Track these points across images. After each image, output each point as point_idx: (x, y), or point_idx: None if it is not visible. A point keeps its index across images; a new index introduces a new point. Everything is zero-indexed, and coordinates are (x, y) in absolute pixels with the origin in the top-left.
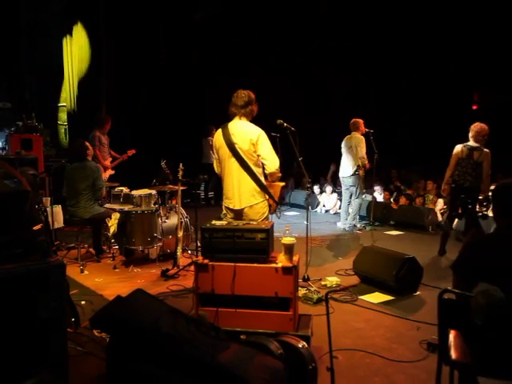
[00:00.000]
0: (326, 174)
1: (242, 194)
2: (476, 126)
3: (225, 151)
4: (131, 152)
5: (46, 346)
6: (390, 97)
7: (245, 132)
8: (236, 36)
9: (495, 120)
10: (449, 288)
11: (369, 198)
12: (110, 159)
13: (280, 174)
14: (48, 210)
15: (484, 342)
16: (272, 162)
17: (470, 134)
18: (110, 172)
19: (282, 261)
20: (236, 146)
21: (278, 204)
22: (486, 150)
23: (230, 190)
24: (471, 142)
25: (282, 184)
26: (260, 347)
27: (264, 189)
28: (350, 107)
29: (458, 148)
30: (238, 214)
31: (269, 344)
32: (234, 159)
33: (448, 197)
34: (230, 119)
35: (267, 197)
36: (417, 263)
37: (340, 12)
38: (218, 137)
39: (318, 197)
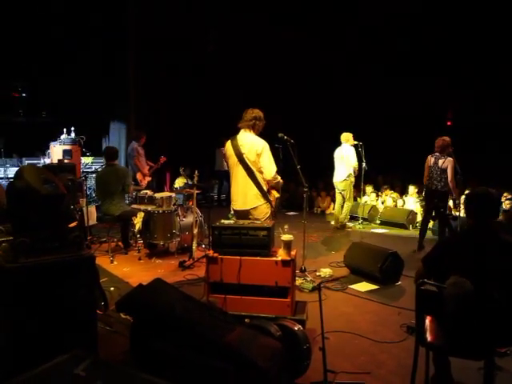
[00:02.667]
0: (322, 178)
1: (247, 196)
2: (439, 140)
3: (233, 160)
4: (163, 159)
5: (79, 326)
6: (379, 114)
7: (251, 143)
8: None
9: (464, 133)
10: (426, 280)
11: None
12: (148, 167)
13: (276, 181)
14: (84, 209)
15: (454, 326)
16: (268, 171)
17: (436, 146)
18: (148, 179)
19: (281, 255)
20: (244, 155)
21: (274, 209)
22: (449, 158)
23: (235, 194)
24: (437, 153)
25: (277, 195)
26: (261, 329)
27: (264, 194)
28: (342, 122)
29: (428, 158)
30: (242, 215)
31: (269, 327)
32: (241, 167)
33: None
34: (238, 131)
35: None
36: (398, 257)
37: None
38: (228, 147)
39: (315, 199)
